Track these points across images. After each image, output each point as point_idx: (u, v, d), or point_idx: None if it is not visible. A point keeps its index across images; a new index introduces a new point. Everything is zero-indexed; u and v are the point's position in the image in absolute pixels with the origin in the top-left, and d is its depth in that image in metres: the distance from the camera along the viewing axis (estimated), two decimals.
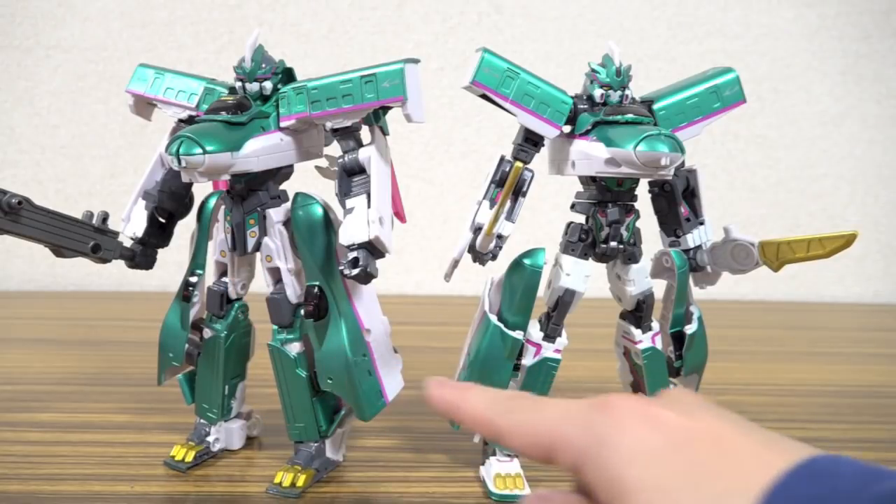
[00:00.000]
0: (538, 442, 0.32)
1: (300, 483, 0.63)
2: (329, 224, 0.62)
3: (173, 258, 0.79)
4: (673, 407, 0.31)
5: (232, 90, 0.64)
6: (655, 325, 0.69)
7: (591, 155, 0.60)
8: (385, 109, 0.61)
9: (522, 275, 0.62)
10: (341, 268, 0.57)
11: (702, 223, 0.70)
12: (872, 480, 0.25)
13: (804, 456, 0.27)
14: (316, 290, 0.62)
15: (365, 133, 0.62)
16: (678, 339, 0.71)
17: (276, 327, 0.65)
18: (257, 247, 0.64)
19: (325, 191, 0.64)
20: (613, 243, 0.63)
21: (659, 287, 0.69)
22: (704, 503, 0.27)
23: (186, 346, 0.68)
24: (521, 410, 0.33)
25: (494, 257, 0.62)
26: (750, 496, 0.26)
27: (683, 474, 0.28)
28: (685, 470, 0.28)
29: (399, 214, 0.71)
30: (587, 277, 0.64)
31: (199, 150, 0.56)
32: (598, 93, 0.62)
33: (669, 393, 0.33)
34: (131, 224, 0.68)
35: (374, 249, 0.57)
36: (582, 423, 0.31)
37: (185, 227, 0.70)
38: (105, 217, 0.66)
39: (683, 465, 0.29)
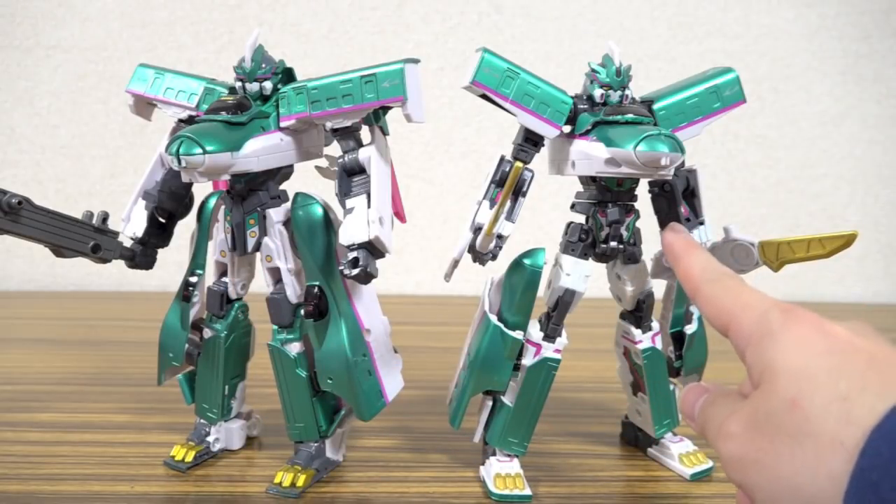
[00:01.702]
0: (720, 316, 0.37)
1: (300, 483, 0.63)
2: (329, 224, 0.62)
3: (173, 258, 0.79)
4: (849, 328, 0.34)
5: (232, 90, 0.64)
6: (655, 325, 0.69)
7: (591, 155, 0.60)
8: (385, 109, 0.61)
9: (522, 275, 0.62)
10: (341, 268, 0.57)
11: (702, 223, 0.70)
12: None
13: None
14: (316, 290, 0.62)
15: (365, 133, 0.62)
16: (678, 339, 0.71)
17: (276, 327, 0.65)
18: (257, 247, 0.64)
19: (325, 191, 0.64)
20: (613, 243, 0.63)
21: (659, 287, 0.69)
22: (839, 392, 0.30)
23: (186, 346, 0.68)
24: (722, 286, 0.38)
25: (494, 257, 0.61)
26: (883, 400, 0.29)
27: (830, 369, 0.31)
28: (833, 366, 0.31)
29: (399, 214, 0.71)
30: (587, 277, 0.64)
31: (199, 150, 0.56)
32: (598, 93, 0.62)
33: (854, 321, 0.35)
34: (131, 224, 0.68)
35: (374, 249, 0.57)
36: (760, 315, 0.35)
37: (185, 227, 0.70)
38: (105, 217, 0.66)
39: (833, 363, 0.31)
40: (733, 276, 0.39)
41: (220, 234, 0.66)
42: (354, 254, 0.57)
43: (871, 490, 0.27)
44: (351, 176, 0.60)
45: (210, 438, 0.70)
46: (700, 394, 0.38)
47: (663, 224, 0.70)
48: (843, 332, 0.33)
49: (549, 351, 0.63)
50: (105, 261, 0.66)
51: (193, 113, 0.65)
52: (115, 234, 0.67)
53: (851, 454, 0.29)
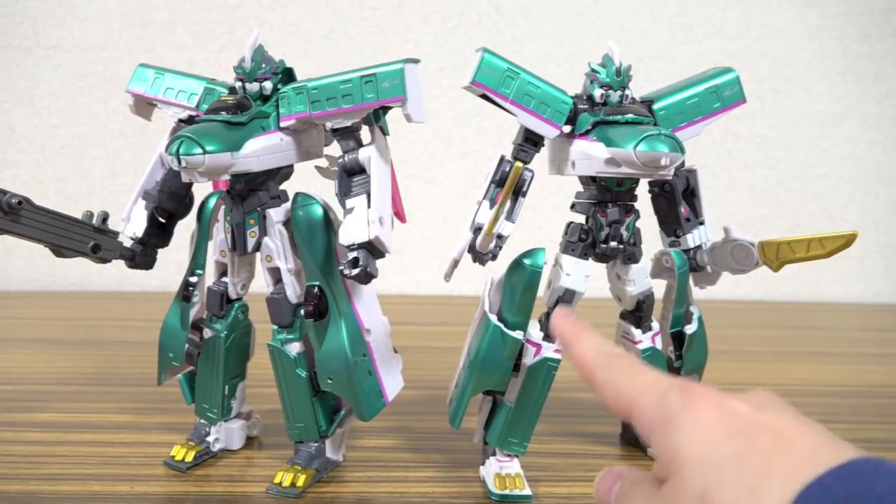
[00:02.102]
0: (620, 403, 0.36)
1: (300, 483, 0.63)
2: (329, 224, 0.62)
3: (173, 258, 0.79)
4: (748, 401, 0.32)
5: (232, 90, 0.64)
6: (655, 325, 0.69)
7: (591, 155, 0.60)
8: (385, 109, 0.61)
9: (522, 275, 0.62)
10: (341, 268, 0.57)
11: (702, 223, 0.70)
12: None
13: (852, 457, 0.28)
14: (316, 290, 0.62)
15: (365, 133, 0.62)
16: (678, 339, 0.71)
17: (276, 327, 0.65)
18: (257, 247, 0.64)
19: (325, 191, 0.64)
20: (613, 243, 0.63)
21: (659, 287, 0.69)
22: (747, 483, 0.29)
23: (186, 346, 0.68)
24: (617, 370, 0.37)
25: (494, 257, 0.62)
26: (791, 485, 0.28)
27: (735, 456, 0.30)
28: (738, 452, 0.30)
29: (399, 214, 0.71)
30: (587, 277, 0.64)
31: (199, 150, 0.56)
32: (598, 93, 0.62)
33: (755, 393, 0.34)
34: (131, 224, 0.68)
35: (374, 249, 0.57)
36: (659, 398, 0.34)
37: (185, 227, 0.70)
38: (105, 217, 0.66)
39: (738, 448, 0.30)
40: (627, 357, 0.38)
41: (220, 234, 0.66)
42: (354, 254, 0.57)
43: None
44: (351, 176, 0.60)
45: (210, 438, 0.70)
46: (614, 480, 0.37)
47: (663, 224, 0.71)
48: (745, 409, 0.32)
49: (549, 351, 0.63)
50: (105, 261, 0.66)
51: (193, 113, 0.65)
52: (115, 234, 0.67)
53: None
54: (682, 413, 0.33)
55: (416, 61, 0.58)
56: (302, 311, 0.63)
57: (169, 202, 0.68)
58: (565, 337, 0.40)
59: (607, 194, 0.63)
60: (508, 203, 0.60)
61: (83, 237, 0.64)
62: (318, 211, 0.62)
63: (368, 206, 0.58)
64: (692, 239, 0.69)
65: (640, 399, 0.35)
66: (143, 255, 0.69)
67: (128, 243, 0.68)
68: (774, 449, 0.30)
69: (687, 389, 0.34)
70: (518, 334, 0.63)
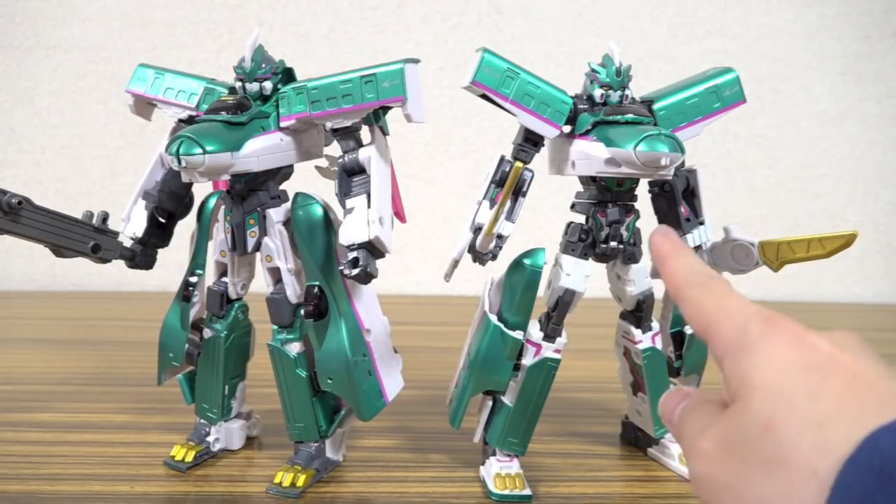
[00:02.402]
0: (700, 321, 0.36)
1: (300, 483, 0.63)
2: (329, 224, 0.62)
3: (173, 258, 0.79)
4: (830, 339, 0.32)
5: (232, 90, 0.64)
6: (655, 325, 0.69)
7: (591, 155, 0.60)
8: (385, 109, 0.61)
9: (522, 275, 0.62)
10: (341, 268, 0.57)
11: (702, 223, 0.70)
12: None
13: None
14: (316, 290, 0.62)
15: (365, 133, 0.62)
16: (678, 339, 0.71)
17: (276, 327, 0.65)
18: (257, 247, 0.64)
19: (325, 191, 0.64)
20: (613, 243, 0.63)
21: (659, 287, 0.69)
22: (816, 418, 0.28)
23: (186, 346, 0.68)
24: (705, 290, 0.36)
25: (494, 257, 0.61)
26: (859, 427, 0.27)
27: (807, 390, 0.29)
28: (811, 387, 0.29)
29: (399, 214, 0.71)
30: (587, 277, 0.64)
31: (199, 150, 0.56)
32: (598, 93, 0.62)
33: (839, 332, 0.33)
34: (131, 224, 0.68)
35: (374, 249, 0.57)
36: (741, 323, 0.33)
37: (185, 227, 0.70)
38: (105, 217, 0.66)
39: (811, 383, 0.30)
40: (720, 280, 0.38)
41: (220, 234, 0.66)
42: (354, 254, 0.57)
43: None
44: (351, 176, 0.60)
45: (210, 438, 0.70)
46: (681, 399, 0.37)
47: (663, 224, 0.70)
48: (826, 346, 0.31)
49: (549, 351, 0.63)
50: (105, 261, 0.66)
51: (193, 113, 0.65)
52: (115, 234, 0.67)
53: (825, 485, 0.27)
54: (760, 340, 0.32)
55: (416, 61, 0.58)
56: (302, 311, 0.63)
57: (169, 202, 0.68)
58: (661, 252, 0.39)
59: (607, 194, 0.63)
60: (508, 203, 0.60)
61: (83, 237, 0.64)
62: (318, 211, 0.62)
63: (368, 206, 0.58)
64: (692, 239, 0.69)
65: (720, 320, 0.34)
66: (143, 255, 0.69)
67: (128, 243, 0.68)
68: (849, 389, 0.29)
69: (771, 318, 0.33)
70: (518, 334, 0.63)
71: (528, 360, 0.64)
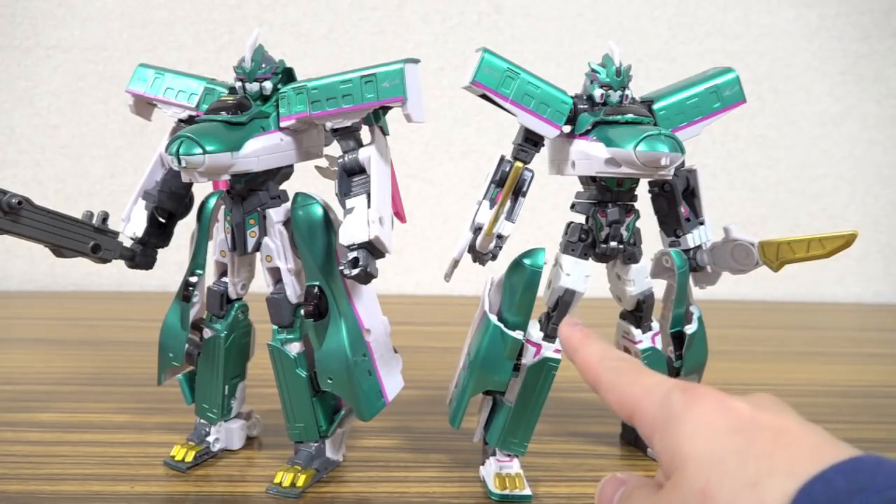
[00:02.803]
0: (624, 405, 0.36)
1: (300, 483, 0.63)
2: (329, 224, 0.62)
3: (173, 258, 0.79)
4: (749, 402, 0.33)
5: (232, 90, 0.64)
6: (655, 325, 0.69)
7: (591, 155, 0.60)
8: (385, 109, 0.61)
9: (522, 275, 0.62)
10: (341, 268, 0.57)
11: (702, 223, 0.70)
12: None
13: (856, 454, 0.29)
14: (316, 290, 0.62)
15: (365, 133, 0.62)
16: (678, 339, 0.71)
17: (276, 327, 0.65)
18: (257, 247, 0.64)
19: (325, 191, 0.64)
20: (613, 243, 0.63)
21: (659, 287, 0.69)
22: (748, 478, 0.29)
23: (186, 346, 0.68)
24: (621, 373, 0.37)
25: (494, 257, 0.62)
26: (792, 480, 0.28)
27: (736, 452, 0.30)
28: (739, 449, 0.30)
29: (399, 214, 0.71)
30: (587, 277, 0.64)
31: (199, 150, 0.56)
32: (598, 93, 0.62)
33: (756, 395, 0.34)
34: (131, 224, 0.68)
35: (374, 249, 0.57)
36: (662, 399, 0.34)
37: (185, 227, 0.70)
38: (105, 217, 0.66)
39: (739, 445, 0.30)
40: (632, 361, 0.39)
41: (220, 234, 0.66)
42: (354, 254, 0.57)
43: None
44: (351, 176, 0.60)
45: (210, 438, 0.70)
46: (617, 486, 0.37)
47: (663, 224, 0.71)
48: (746, 409, 0.32)
49: (549, 351, 0.63)
50: (105, 261, 0.66)
51: (193, 113, 0.65)
52: (115, 234, 0.67)
53: None
54: (684, 412, 0.33)
55: (416, 61, 0.58)
56: (302, 311, 0.63)
57: (169, 202, 0.68)
58: (571, 343, 0.41)
59: (607, 194, 0.63)
60: (508, 203, 0.60)
61: (83, 237, 0.64)
62: (318, 211, 0.62)
63: (368, 206, 0.58)
64: (692, 239, 0.69)
65: (643, 400, 0.35)
66: (143, 255, 0.69)
67: (128, 243, 0.68)
68: (776, 446, 0.30)
69: (689, 389, 0.34)
70: (518, 334, 0.63)
71: (528, 360, 0.64)
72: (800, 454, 0.29)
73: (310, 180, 0.66)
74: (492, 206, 0.60)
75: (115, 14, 1.37)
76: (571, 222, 0.65)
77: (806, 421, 0.32)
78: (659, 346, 0.68)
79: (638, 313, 0.68)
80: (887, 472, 0.27)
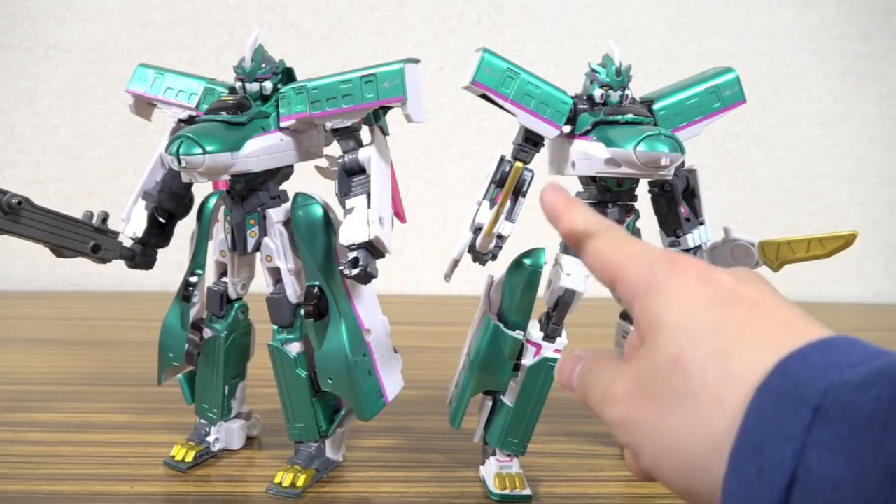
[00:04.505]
0: (606, 269, 0.36)
1: (300, 483, 0.63)
2: (329, 224, 0.62)
3: (173, 258, 0.79)
4: (732, 274, 0.33)
5: (232, 90, 0.64)
6: None
7: (591, 155, 0.60)
8: (385, 109, 0.61)
9: (522, 275, 0.62)
10: (341, 268, 0.57)
11: (702, 223, 0.70)
12: (882, 355, 0.27)
13: (830, 333, 0.29)
14: (316, 290, 0.62)
15: (365, 133, 0.62)
16: None
17: (276, 327, 0.65)
18: (257, 247, 0.64)
19: (325, 191, 0.64)
20: None
21: None
22: (718, 348, 0.29)
23: (186, 346, 0.68)
24: (607, 238, 0.37)
25: (494, 257, 0.62)
26: (761, 353, 0.28)
27: (711, 322, 0.30)
28: (716, 320, 0.30)
29: (399, 214, 0.71)
30: (587, 277, 0.64)
31: (199, 150, 0.56)
32: (598, 93, 0.62)
33: (741, 268, 0.34)
34: (131, 224, 0.68)
35: (374, 249, 0.57)
36: (645, 266, 0.34)
37: (185, 227, 0.70)
38: (105, 217, 0.66)
39: (716, 316, 0.30)
40: (619, 228, 0.38)
41: (220, 234, 0.66)
42: (354, 254, 0.57)
43: (755, 451, 0.26)
44: (351, 176, 0.60)
45: (210, 438, 0.70)
46: (574, 363, 0.37)
47: (663, 224, 0.71)
48: (728, 280, 0.32)
49: (549, 351, 0.63)
50: (105, 261, 0.66)
51: (193, 113, 0.65)
52: (115, 234, 0.67)
53: (733, 413, 0.28)
54: (666, 280, 0.32)
55: (416, 61, 0.58)
56: (302, 311, 0.63)
57: (169, 202, 0.68)
58: (555, 209, 0.38)
59: (607, 194, 0.63)
60: (508, 203, 0.61)
61: (83, 237, 0.64)
62: (318, 211, 0.62)
63: (368, 206, 0.58)
64: (692, 239, 0.69)
65: (627, 265, 0.35)
66: (143, 255, 0.69)
67: (128, 243, 0.68)
68: (750, 318, 0.30)
69: (675, 259, 0.34)
70: (518, 334, 0.63)
71: (528, 360, 0.64)
72: (772, 327, 0.30)
73: (310, 180, 0.66)
74: (492, 206, 0.61)
75: (115, 14, 1.37)
76: None
77: (783, 297, 0.32)
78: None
79: None
80: (862, 350, 0.28)
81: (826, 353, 0.27)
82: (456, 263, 0.62)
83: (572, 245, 0.38)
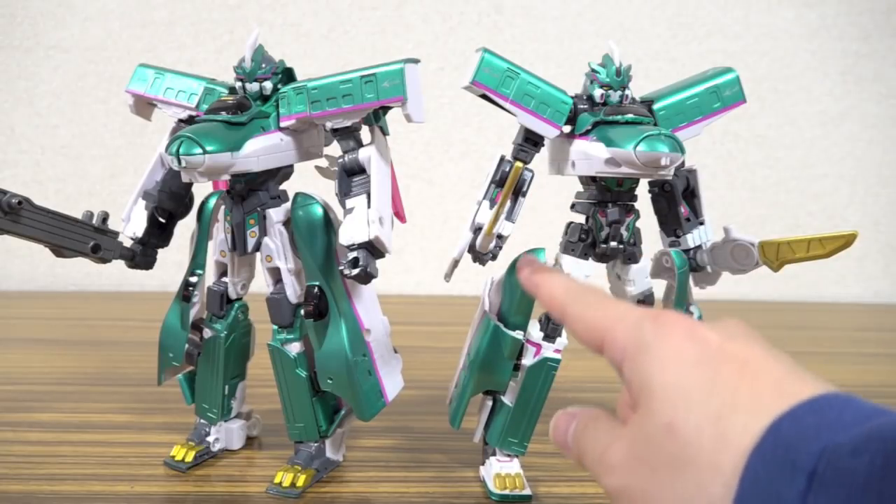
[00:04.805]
0: (592, 335, 0.35)
1: (300, 483, 0.63)
2: (329, 224, 0.62)
3: (173, 258, 0.79)
4: (718, 330, 0.32)
5: (232, 90, 0.64)
6: None
7: (591, 155, 0.60)
8: (385, 109, 0.61)
9: None
10: (341, 268, 0.57)
11: (702, 223, 0.70)
12: (875, 415, 0.27)
13: (822, 390, 0.28)
14: (316, 290, 0.62)
15: (365, 133, 0.62)
16: None
17: (276, 327, 0.65)
18: (257, 247, 0.64)
19: (325, 191, 0.64)
20: (613, 243, 0.63)
21: (659, 287, 0.69)
22: (712, 413, 0.29)
23: (186, 346, 0.68)
24: (588, 304, 0.36)
25: (494, 257, 0.62)
26: (756, 417, 0.28)
27: (704, 385, 0.30)
28: (707, 381, 0.30)
29: (399, 214, 0.71)
30: (587, 277, 0.64)
31: (199, 150, 0.56)
32: (598, 93, 0.62)
33: (726, 321, 0.34)
34: (131, 224, 0.68)
35: (374, 249, 0.57)
36: (632, 327, 0.33)
37: (185, 227, 0.70)
38: (105, 217, 0.66)
39: (707, 377, 0.30)
40: (599, 291, 0.38)
41: (220, 234, 0.66)
42: (354, 254, 0.57)
43: None
44: (351, 176, 0.60)
45: (210, 438, 0.70)
46: (569, 420, 0.36)
47: (663, 224, 0.71)
48: (715, 338, 0.31)
49: (549, 351, 0.63)
50: (105, 261, 0.66)
51: (193, 113, 0.65)
52: (115, 234, 0.67)
53: (729, 479, 0.27)
54: (654, 341, 0.32)
55: (416, 61, 0.58)
56: (302, 311, 0.63)
57: (169, 202, 0.68)
58: (534, 278, 0.39)
59: (607, 194, 0.63)
60: (508, 203, 0.61)
61: (83, 237, 0.64)
62: (318, 211, 0.62)
63: (368, 206, 0.58)
64: (692, 239, 0.69)
65: (612, 329, 0.34)
66: (143, 255, 0.69)
67: (128, 243, 0.68)
68: (741, 379, 0.30)
69: (659, 317, 0.33)
70: (518, 334, 0.63)
71: (528, 360, 0.64)
72: (764, 389, 0.29)
73: (310, 180, 0.66)
74: (492, 206, 0.61)
75: (115, 14, 1.37)
76: (571, 222, 0.65)
77: (773, 350, 0.31)
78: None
79: None
80: (855, 409, 0.27)
81: (818, 413, 0.27)
82: (456, 263, 0.62)
83: (555, 315, 0.38)
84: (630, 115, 0.60)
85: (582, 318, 0.36)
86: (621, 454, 0.32)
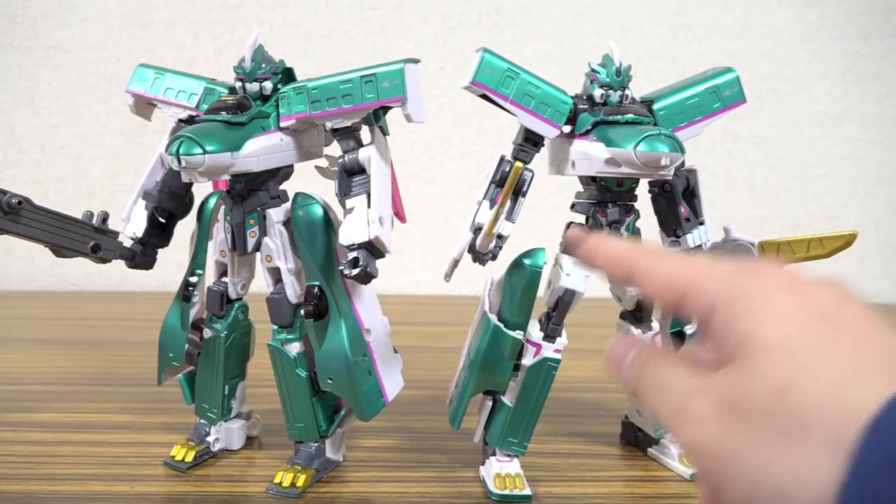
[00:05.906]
0: (673, 284, 0.32)
1: (300, 483, 0.63)
2: (329, 224, 0.62)
3: (173, 258, 0.79)
4: (825, 288, 0.30)
5: (232, 90, 0.64)
6: (655, 325, 0.69)
7: (591, 155, 0.60)
8: (385, 109, 0.61)
9: (522, 275, 0.62)
10: (341, 268, 0.57)
11: (702, 223, 0.70)
12: None
13: None
14: (316, 290, 0.62)
15: (365, 133, 0.62)
16: (678, 338, 0.71)
17: (276, 327, 0.65)
18: (257, 247, 0.64)
19: (325, 191, 0.64)
20: None
21: None
22: (832, 381, 0.26)
23: (186, 346, 0.68)
24: (661, 256, 0.34)
25: (494, 257, 0.62)
26: (879, 387, 0.25)
27: (819, 346, 0.27)
28: (823, 343, 0.27)
29: (399, 214, 0.71)
30: (587, 277, 0.64)
31: (199, 150, 0.56)
32: (598, 93, 0.62)
33: (823, 278, 0.31)
34: (131, 224, 0.68)
35: (374, 249, 0.57)
36: (725, 278, 0.31)
37: (185, 227, 0.70)
38: (105, 217, 0.66)
39: (823, 339, 0.27)
40: (661, 247, 0.36)
41: (220, 234, 0.66)
42: (354, 254, 0.57)
43: (871, 500, 0.23)
44: (351, 176, 0.60)
45: (210, 438, 0.70)
46: (630, 345, 0.34)
47: (663, 224, 0.71)
48: (824, 296, 0.29)
49: (549, 351, 0.63)
50: (105, 261, 0.66)
51: (193, 113, 0.65)
52: (115, 234, 0.67)
53: (843, 455, 0.24)
54: (754, 294, 0.29)
55: (416, 61, 0.58)
56: (302, 311, 0.63)
57: (169, 202, 0.68)
58: (589, 245, 0.36)
59: (607, 194, 0.63)
60: (508, 203, 0.61)
61: (83, 237, 0.64)
62: (318, 211, 0.62)
63: (368, 206, 0.58)
64: (692, 239, 0.69)
65: (698, 278, 0.31)
66: (143, 255, 0.69)
67: (128, 243, 0.68)
68: (861, 348, 0.27)
69: (755, 271, 0.30)
70: (518, 334, 0.63)
71: (528, 360, 0.64)
72: (886, 363, 0.26)
73: (310, 180, 0.66)
74: (492, 206, 0.61)
75: (115, 14, 1.37)
76: (571, 222, 0.65)
77: (877, 316, 0.29)
78: (659, 346, 0.68)
79: (638, 313, 0.68)
80: None
81: None
82: (456, 263, 0.62)
83: (619, 270, 0.35)
84: (630, 115, 0.60)
85: (658, 270, 0.33)
86: (709, 408, 0.28)
